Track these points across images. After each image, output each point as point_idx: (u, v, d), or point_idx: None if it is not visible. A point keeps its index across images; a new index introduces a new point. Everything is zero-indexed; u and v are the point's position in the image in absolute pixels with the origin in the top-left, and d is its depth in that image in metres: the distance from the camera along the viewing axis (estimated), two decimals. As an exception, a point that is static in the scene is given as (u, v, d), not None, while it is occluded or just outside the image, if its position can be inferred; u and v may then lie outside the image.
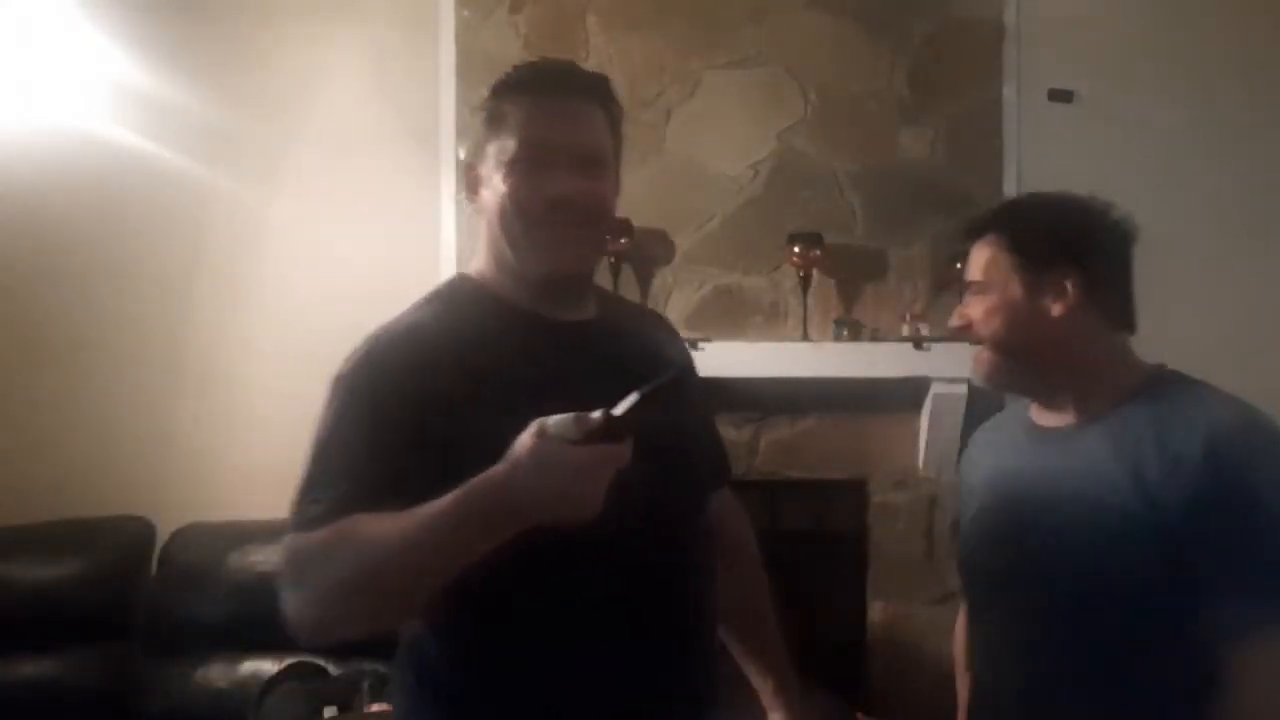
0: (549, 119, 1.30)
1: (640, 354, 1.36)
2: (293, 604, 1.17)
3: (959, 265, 3.02)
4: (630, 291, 3.01)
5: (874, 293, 3.10)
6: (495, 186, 1.30)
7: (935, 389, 2.97)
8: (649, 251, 3.04)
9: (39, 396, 3.08)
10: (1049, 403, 1.47)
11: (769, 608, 1.57)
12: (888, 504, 3.12)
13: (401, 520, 1.10)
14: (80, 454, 3.06)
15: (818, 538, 3.16)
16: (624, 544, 1.20)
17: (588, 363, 1.29)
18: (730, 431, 3.06)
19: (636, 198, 3.05)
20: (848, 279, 3.08)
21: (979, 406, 3.01)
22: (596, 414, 1.04)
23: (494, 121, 1.33)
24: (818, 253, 2.97)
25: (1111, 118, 3.15)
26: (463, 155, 1.38)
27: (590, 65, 3.05)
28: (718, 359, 2.89)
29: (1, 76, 3.02)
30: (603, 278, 2.95)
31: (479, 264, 1.38)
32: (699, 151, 3.08)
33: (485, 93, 1.36)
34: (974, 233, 1.49)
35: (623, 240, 2.93)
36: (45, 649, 2.78)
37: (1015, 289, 1.43)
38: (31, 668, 2.77)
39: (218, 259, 3.11)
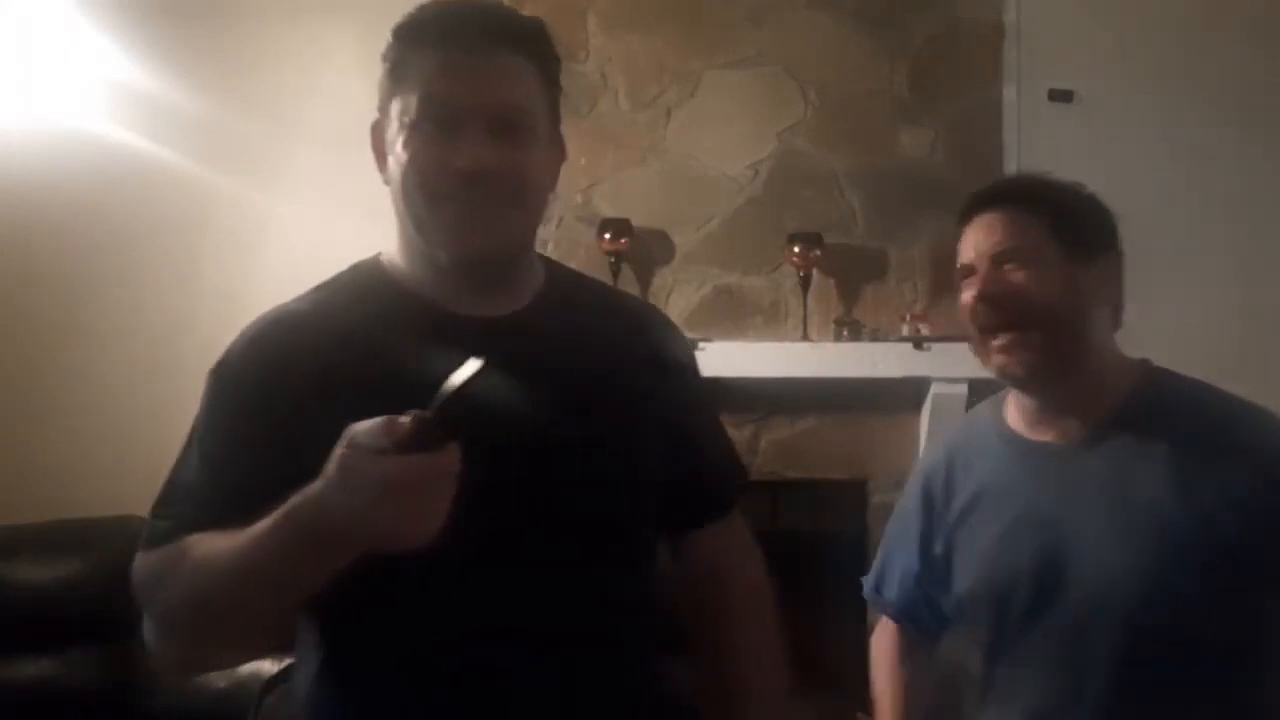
0: (456, 73, 1.08)
1: (573, 358, 1.14)
2: (146, 632, 1.06)
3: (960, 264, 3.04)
4: (630, 291, 3.01)
5: (874, 293, 3.10)
6: (397, 154, 1.10)
7: (935, 389, 2.97)
8: (649, 251, 3.04)
9: (38, 396, 3.08)
10: (1059, 407, 1.31)
11: (772, 685, 1.28)
12: (888, 504, 3.11)
13: (233, 541, 0.96)
14: (80, 454, 3.06)
15: (818, 538, 3.15)
16: (491, 570, 1.05)
17: (492, 359, 1.00)
18: (730, 431, 3.05)
19: (636, 198, 3.06)
20: (848, 279, 3.08)
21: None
22: (406, 417, 0.88)
23: (396, 72, 1.11)
24: (818, 253, 2.97)
25: (1111, 118, 3.15)
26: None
27: (590, 65, 3.10)
28: (718, 359, 2.89)
29: (1, 76, 3.02)
30: (603, 278, 2.95)
31: (390, 245, 1.18)
32: (699, 151, 3.08)
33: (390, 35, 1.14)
34: (987, 202, 1.34)
35: (623, 240, 2.93)
36: (45, 649, 2.78)
37: (1065, 266, 1.28)
38: (32, 668, 2.77)
39: (218, 259, 3.11)
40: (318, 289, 1.17)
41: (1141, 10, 3.19)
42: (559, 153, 1.19)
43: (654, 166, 3.07)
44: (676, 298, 3.06)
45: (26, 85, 3.02)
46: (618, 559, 1.16)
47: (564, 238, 3.03)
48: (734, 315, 3.07)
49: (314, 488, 0.91)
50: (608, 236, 2.94)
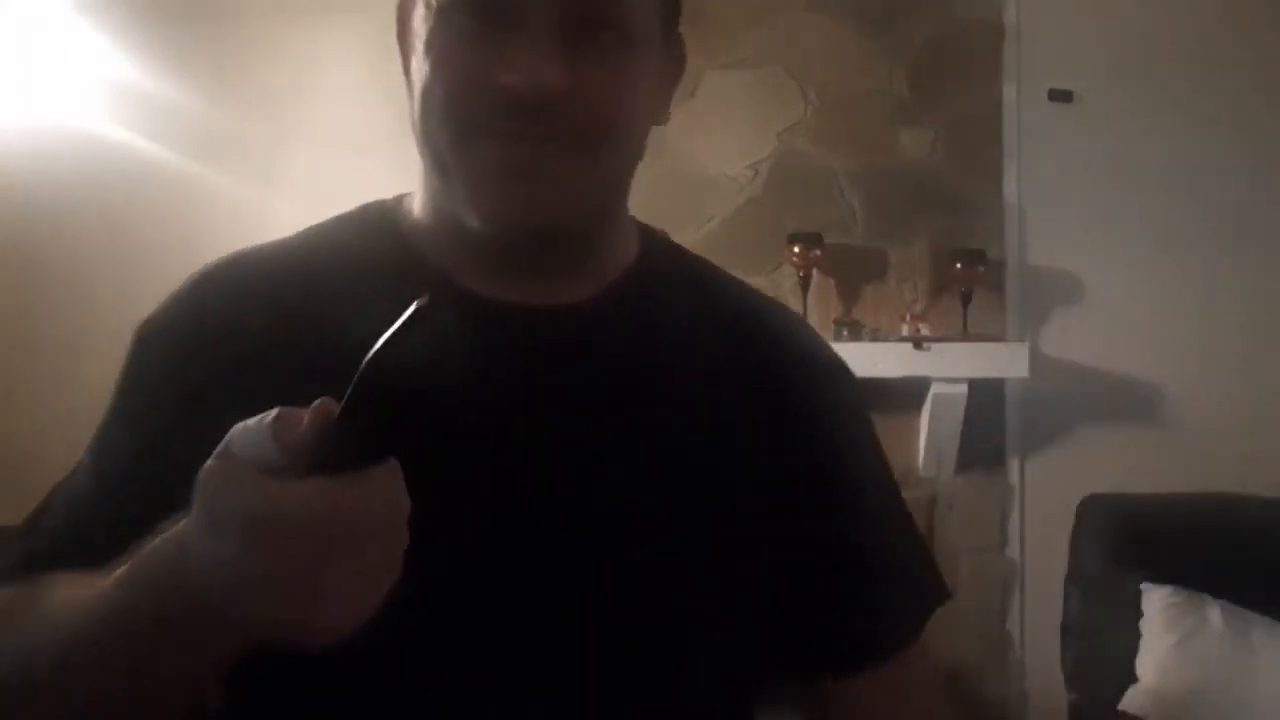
0: None
1: (645, 382, 0.77)
2: None
3: (959, 265, 3.05)
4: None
5: (874, 293, 3.10)
6: (419, 57, 0.74)
7: (935, 389, 2.97)
8: (649, 251, 3.04)
9: (38, 396, 3.08)
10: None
11: None
12: (888, 504, 3.12)
13: (83, 594, 0.63)
14: (79, 453, 3.05)
15: (818, 538, 3.15)
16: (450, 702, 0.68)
17: (528, 377, 0.73)
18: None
19: (636, 198, 3.05)
20: (848, 279, 3.08)
21: (980, 406, 3.02)
22: (312, 409, 0.54)
23: None
24: (818, 253, 2.97)
25: (1111, 118, 3.15)
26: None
27: (590, 65, 3.09)
28: (718, 359, 2.90)
29: (1, 76, 3.02)
30: (603, 278, 2.96)
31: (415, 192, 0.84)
32: (699, 151, 3.08)
33: None
34: None
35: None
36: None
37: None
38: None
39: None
40: (306, 233, 0.86)
41: (1141, 10, 3.18)
42: (674, 66, 0.82)
43: (654, 166, 3.06)
44: (676, 298, 3.06)
45: (26, 85, 3.02)
46: (671, 713, 0.75)
47: (564, 238, 3.02)
48: (734, 315, 3.07)
49: (180, 526, 0.58)
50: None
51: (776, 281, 3.06)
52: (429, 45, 0.72)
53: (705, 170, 3.08)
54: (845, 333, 3.01)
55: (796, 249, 2.97)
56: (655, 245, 0.87)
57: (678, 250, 0.90)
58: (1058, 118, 3.14)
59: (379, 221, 0.83)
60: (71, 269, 3.06)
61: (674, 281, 0.84)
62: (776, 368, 0.82)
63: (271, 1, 3.15)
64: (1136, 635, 2.63)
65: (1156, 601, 2.63)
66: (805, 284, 2.98)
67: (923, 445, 3.06)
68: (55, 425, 3.14)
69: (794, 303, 3.02)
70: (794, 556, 0.78)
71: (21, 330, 3.08)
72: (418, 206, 0.82)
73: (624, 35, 0.73)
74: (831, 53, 3.11)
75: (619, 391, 0.76)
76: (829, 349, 0.90)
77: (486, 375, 0.65)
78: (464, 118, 0.72)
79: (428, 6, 0.73)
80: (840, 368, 0.88)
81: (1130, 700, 2.57)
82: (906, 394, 3.02)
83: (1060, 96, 3.14)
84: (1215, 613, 2.59)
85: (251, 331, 0.75)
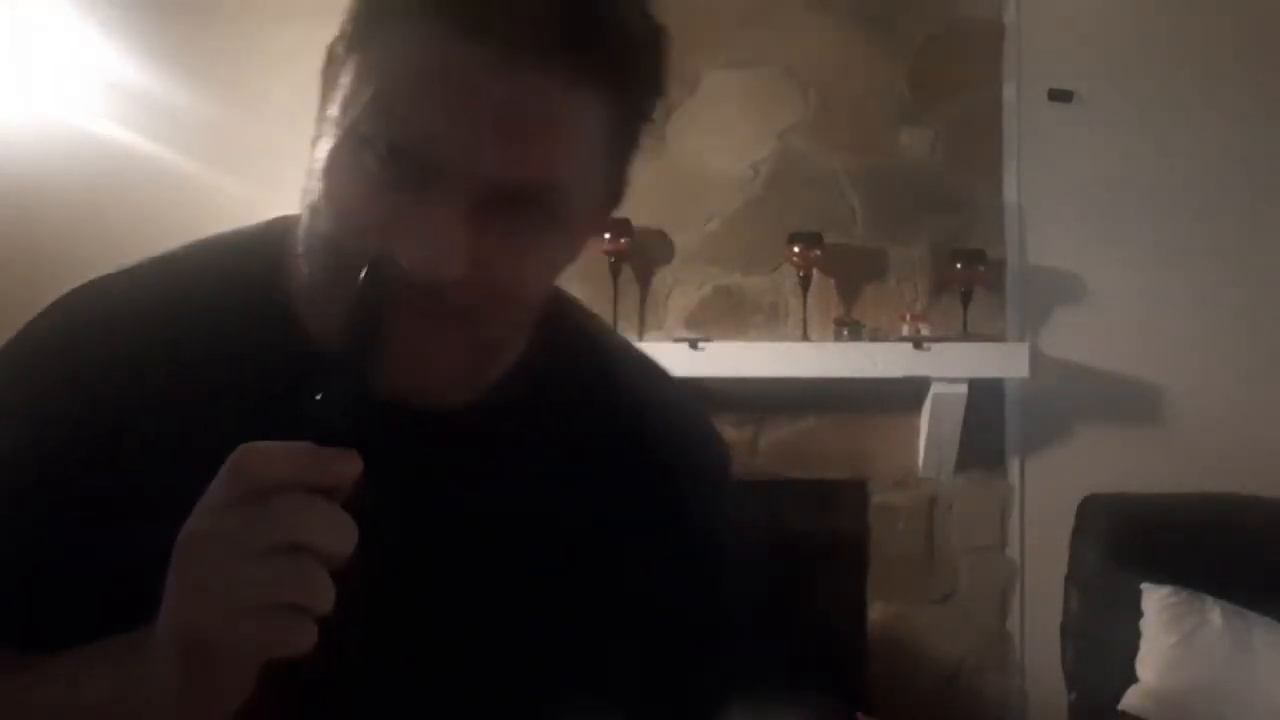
0: (465, 99, 0.61)
1: (533, 485, 0.75)
2: None
3: (959, 265, 3.05)
4: (630, 292, 3.01)
5: (874, 293, 3.10)
6: (320, 161, 0.66)
7: (935, 389, 2.97)
8: (649, 251, 3.04)
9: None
10: None
11: None
12: (888, 504, 3.12)
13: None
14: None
15: (818, 538, 3.15)
16: None
17: (406, 489, 0.69)
18: (730, 432, 3.06)
19: (636, 198, 3.03)
20: (848, 279, 3.08)
21: (980, 406, 3.02)
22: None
23: (371, 17, 0.66)
24: (818, 253, 2.97)
25: (1111, 118, 3.15)
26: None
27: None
28: (718, 359, 2.90)
29: (1, 76, 3.02)
30: (603, 278, 2.96)
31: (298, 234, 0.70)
32: (699, 151, 3.07)
33: None
34: None
35: (622, 240, 2.93)
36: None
37: None
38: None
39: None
40: (186, 258, 0.80)
41: (1141, 10, 3.18)
42: (613, 200, 0.74)
43: (654, 166, 3.06)
44: (676, 297, 3.06)
45: (26, 85, 3.02)
46: None
47: (564, 238, 3.02)
48: (734, 315, 3.07)
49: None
50: (607, 236, 2.93)
51: (776, 281, 3.06)
52: (334, 160, 0.64)
53: (705, 170, 3.08)
54: (845, 333, 3.01)
55: (796, 249, 2.97)
56: (550, 333, 0.76)
57: (569, 325, 0.81)
58: (1058, 118, 3.14)
59: (264, 266, 0.73)
60: (71, 268, 3.05)
61: (563, 377, 0.78)
62: (653, 471, 0.79)
63: (272, 1, 3.14)
64: (1136, 635, 2.63)
65: (1156, 601, 2.63)
66: (805, 284, 2.98)
67: (923, 445, 3.06)
68: (55, 425, 3.14)
69: (794, 303, 3.03)
70: (637, 654, 0.78)
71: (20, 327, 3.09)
72: (298, 261, 0.70)
73: (545, 210, 0.64)
74: (831, 53, 3.11)
75: (490, 498, 0.73)
76: (713, 444, 0.86)
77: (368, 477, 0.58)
78: (345, 261, 0.61)
79: (343, 116, 0.64)
80: (717, 467, 0.86)
81: (1130, 700, 2.57)
82: (906, 394, 3.02)
83: (1060, 96, 3.14)
84: (1215, 613, 2.59)
85: (92, 386, 0.70)
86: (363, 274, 0.58)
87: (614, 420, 0.78)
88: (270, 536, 0.54)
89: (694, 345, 2.89)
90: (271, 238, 0.75)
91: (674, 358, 2.89)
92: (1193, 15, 3.18)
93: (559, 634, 0.75)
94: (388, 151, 0.62)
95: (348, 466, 0.55)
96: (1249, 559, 2.71)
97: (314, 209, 0.66)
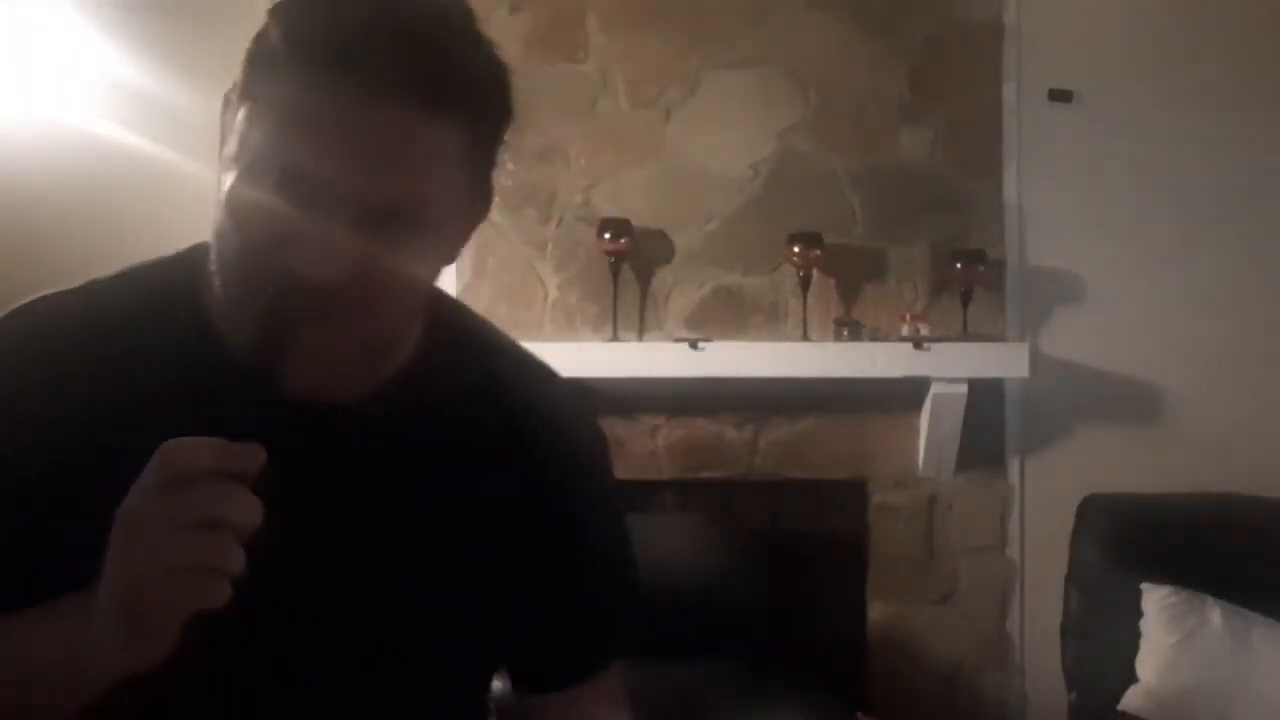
0: (337, 133, 0.74)
1: (416, 470, 0.88)
2: None
3: (959, 265, 3.05)
4: (630, 292, 3.01)
5: (874, 293, 3.10)
6: (223, 189, 0.80)
7: (935, 389, 2.97)
8: (649, 251, 3.04)
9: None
10: None
11: None
12: (888, 504, 3.12)
13: None
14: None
15: (818, 538, 3.15)
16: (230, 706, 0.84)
17: (307, 477, 0.79)
18: (730, 431, 3.06)
19: (636, 198, 3.05)
20: (848, 279, 3.08)
21: (980, 406, 3.02)
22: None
23: (256, 64, 0.79)
24: (818, 253, 2.97)
25: (1111, 118, 3.15)
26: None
27: (590, 65, 3.09)
28: (718, 359, 2.90)
29: (1, 76, 3.02)
30: (602, 278, 2.96)
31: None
32: (699, 151, 3.08)
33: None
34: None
35: (622, 240, 2.93)
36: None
37: None
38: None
39: (218, 259, 3.10)
40: (117, 280, 0.93)
41: (1141, 10, 3.18)
42: (480, 207, 0.86)
43: (654, 166, 3.07)
44: (676, 297, 3.06)
45: (26, 85, 3.02)
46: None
47: (564, 238, 3.03)
48: (734, 315, 3.07)
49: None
50: (607, 236, 2.94)
51: (776, 281, 3.06)
52: (234, 193, 0.77)
53: (705, 170, 3.08)
54: (845, 333, 3.01)
55: (796, 249, 2.97)
56: (436, 328, 0.90)
57: (457, 327, 0.95)
58: (1058, 118, 3.14)
59: (184, 282, 0.87)
60: (71, 269, 3.05)
61: (448, 371, 0.91)
62: (531, 451, 0.93)
63: (272, 2, 3.14)
64: (1136, 635, 2.63)
65: (1156, 601, 2.63)
66: (805, 284, 2.98)
67: (923, 445, 3.06)
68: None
69: (794, 303, 3.03)
70: (524, 611, 0.94)
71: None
72: (212, 278, 0.83)
73: (423, 217, 0.77)
74: (831, 53, 3.11)
75: (382, 484, 0.87)
76: (586, 424, 1.01)
77: (273, 464, 0.70)
78: (253, 281, 0.75)
79: (242, 148, 0.78)
80: (591, 443, 1.00)
81: (1130, 700, 2.57)
82: (906, 394, 3.02)
83: (1060, 96, 3.14)
84: (1215, 613, 2.59)
85: (32, 390, 0.84)
86: (271, 290, 0.72)
87: (496, 406, 0.92)
88: (193, 513, 0.67)
89: (694, 345, 2.89)
90: (194, 259, 0.88)
91: (674, 358, 2.89)
92: (1192, 15, 3.18)
93: (439, 591, 0.89)
94: (280, 179, 0.74)
95: (255, 457, 0.68)
96: (1249, 559, 2.71)
97: (220, 234, 0.80)
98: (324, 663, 0.87)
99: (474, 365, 0.94)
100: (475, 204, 0.85)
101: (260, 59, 0.78)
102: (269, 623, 0.79)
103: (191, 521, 0.67)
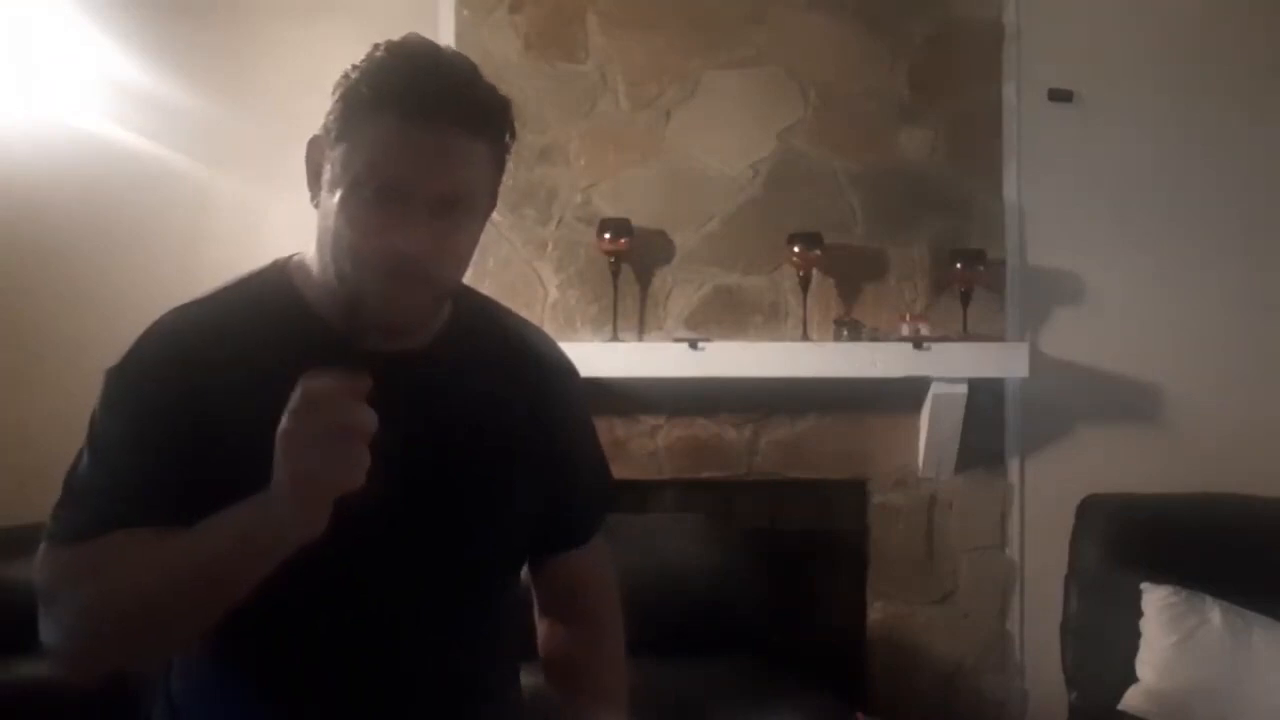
0: (412, 150, 1.08)
1: (466, 397, 1.21)
2: (50, 627, 1.12)
3: (959, 265, 3.05)
4: (630, 292, 3.01)
5: (874, 293, 3.10)
6: (331, 204, 1.11)
7: (935, 389, 2.97)
8: (649, 251, 3.04)
9: (37, 396, 3.07)
10: None
11: (615, 679, 1.39)
12: (888, 504, 3.12)
13: (179, 541, 1.04)
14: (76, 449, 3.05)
15: (818, 538, 3.15)
16: (345, 602, 1.14)
17: (396, 401, 1.01)
18: (730, 431, 3.06)
19: (636, 198, 3.05)
20: (848, 279, 3.08)
21: (980, 406, 3.02)
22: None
23: (350, 118, 1.10)
24: (818, 253, 2.97)
25: (1111, 118, 3.15)
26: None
27: (590, 65, 3.09)
28: (718, 359, 2.90)
29: (2, 76, 3.02)
30: (603, 278, 2.96)
31: (308, 253, 1.20)
32: (699, 151, 3.08)
33: (350, 69, 1.13)
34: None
35: (623, 240, 2.93)
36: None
37: None
38: (30, 668, 2.77)
39: (217, 259, 3.10)
40: (225, 290, 1.21)
41: (1141, 10, 3.19)
42: (486, 217, 1.20)
43: (654, 166, 3.07)
44: (676, 297, 3.06)
45: (26, 85, 3.02)
46: (478, 602, 1.24)
47: (564, 238, 3.03)
48: (734, 315, 3.07)
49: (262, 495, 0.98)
50: (607, 236, 2.94)
51: (776, 281, 3.06)
52: (344, 203, 1.09)
53: (705, 170, 3.08)
54: (845, 333, 3.01)
55: (796, 249, 2.97)
56: (465, 299, 1.27)
57: (478, 299, 1.31)
58: (1058, 118, 3.14)
59: (276, 284, 1.20)
60: (71, 268, 3.06)
61: (480, 322, 1.28)
62: (538, 378, 1.30)
63: (272, 2, 3.15)
64: (1136, 635, 2.63)
65: (1156, 601, 2.63)
66: (805, 284, 2.98)
67: (923, 445, 3.06)
68: (54, 423, 3.13)
69: (794, 303, 3.03)
70: (545, 492, 1.28)
71: (21, 329, 3.08)
72: (308, 267, 1.19)
73: (469, 211, 1.13)
74: (831, 53, 3.11)
75: (449, 405, 1.20)
76: (566, 358, 1.37)
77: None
78: (366, 260, 1.09)
79: (343, 175, 1.09)
80: (572, 370, 1.37)
81: (1130, 700, 2.57)
82: (906, 394, 3.02)
83: (1060, 96, 3.14)
84: (1215, 613, 2.59)
85: (197, 376, 1.11)
86: (382, 262, 1.09)
87: (515, 348, 1.31)
88: (333, 422, 0.94)
89: (694, 345, 2.89)
90: (280, 266, 1.23)
91: (674, 358, 2.89)
92: (1192, 15, 3.19)
93: (502, 485, 1.24)
94: (378, 190, 1.08)
95: (365, 383, 0.95)
96: (1249, 559, 2.71)
97: (336, 232, 1.11)
98: (419, 533, 1.16)
99: (491, 322, 1.31)
100: (493, 201, 1.19)
101: (354, 107, 1.09)
102: (384, 505, 1.02)
103: (333, 427, 0.94)
